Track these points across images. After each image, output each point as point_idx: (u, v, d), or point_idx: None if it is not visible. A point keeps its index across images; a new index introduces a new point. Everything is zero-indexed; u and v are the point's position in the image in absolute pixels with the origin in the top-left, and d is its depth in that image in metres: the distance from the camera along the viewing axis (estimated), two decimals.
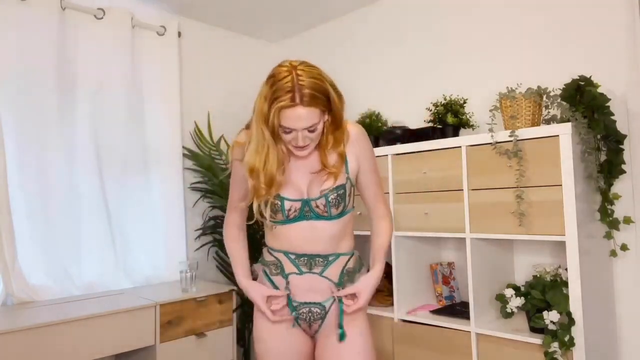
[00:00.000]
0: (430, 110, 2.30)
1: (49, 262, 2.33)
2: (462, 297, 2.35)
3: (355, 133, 1.39)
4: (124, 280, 2.56)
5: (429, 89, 2.57)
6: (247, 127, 1.35)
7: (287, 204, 1.33)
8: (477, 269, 2.01)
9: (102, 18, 2.59)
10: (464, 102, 2.28)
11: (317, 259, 1.35)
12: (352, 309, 1.33)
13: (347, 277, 1.39)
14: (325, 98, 1.24)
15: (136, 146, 2.70)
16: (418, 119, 2.52)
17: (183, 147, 2.91)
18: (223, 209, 2.89)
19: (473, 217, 1.99)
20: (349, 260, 1.40)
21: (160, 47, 2.84)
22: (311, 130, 1.24)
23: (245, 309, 2.72)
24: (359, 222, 2.01)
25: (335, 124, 1.32)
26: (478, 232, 1.98)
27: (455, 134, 2.22)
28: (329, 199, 1.32)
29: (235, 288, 2.53)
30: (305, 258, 1.36)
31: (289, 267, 1.37)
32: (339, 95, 1.29)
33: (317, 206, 1.33)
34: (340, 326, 1.35)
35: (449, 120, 2.22)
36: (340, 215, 1.36)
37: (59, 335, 1.90)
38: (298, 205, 1.33)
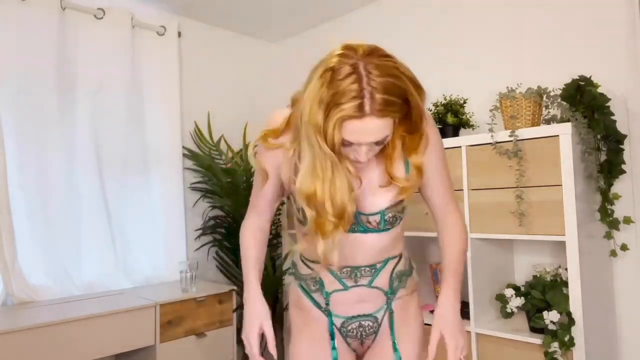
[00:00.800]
0: (430, 110, 2.30)
1: (49, 262, 2.33)
2: (462, 297, 2.34)
3: (434, 137, 1.10)
4: (124, 280, 2.56)
5: (429, 89, 2.56)
6: (293, 103, 1.02)
7: None
8: (477, 269, 2.01)
9: (102, 18, 2.59)
10: (464, 102, 2.28)
11: (364, 269, 1.13)
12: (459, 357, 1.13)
13: (398, 281, 1.18)
14: (402, 102, 0.91)
15: (136, 146, 2.70)
16: None
17: (183, 147, 2.91)
18: (223, 209, 2.90)
19: (473, 217, 1.99)
20: (397, 262, 1.18)
21: (160, 47, 2.84)
22: (379, 142, 0.94)
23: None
24: (419, 220, 2.00)
25: (411, 127, 1.00)
26: (478, 232, 1.98)
27: (455, 134, 2.22)
28: (386, 217, 1.07)
29: (235, 288, 2.53)
30: (349, 269, 1.12)
31: (330, 282, 1.14)
32: (420, 92, 0.95)
33: (369, 221, 1.07)
34: (395, 348, 1.15)
35: (449, 120, 2.22)
36: (394, 226, 1.11)
37: (59, 335, 1.90)
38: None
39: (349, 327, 1.17)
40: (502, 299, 1.89)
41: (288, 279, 1.27)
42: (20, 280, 2.19)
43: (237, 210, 2.73)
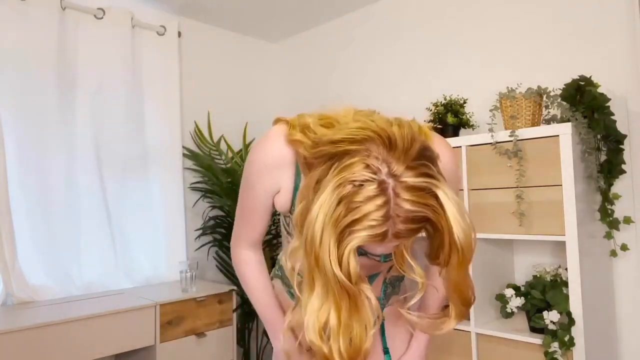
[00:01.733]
0: (430, 110, 2.30)
1: (49, 262, 2.33)
2: None
3: (449, 161, 0.97)
4: (124, 280, 2.56)
5: (429, 89, 2.57)
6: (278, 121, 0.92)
7: None
8: (477, 269, 2.01)
9: (102, 18, 2.59)
10: (464, 102, 2.28)
11: None
12: None
13: (392, 287, 1.12)
14: (428, 223, 0.75)
15: (136, 146, 2.70)
16: (418, 119, 2.51)
17: (183, 147, 2.91)
18: (223, 209, 2.90)
19: (473, 217, 1.98)
20: (391, 267, 1.06)
21: (160, 47, 2.84)
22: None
23: (245, 309, 2.72)
24: None
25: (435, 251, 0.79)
26: (478, 232, 1.98)
27: (455, 134, 2.22)
28: (387, 259, 1.00)
29: (235, 288, 2.53)
30: None
31: None
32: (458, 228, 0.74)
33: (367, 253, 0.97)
34: (386, 350, 1.12)
35: (449, 120, 2.22)
36: None
37: (59, 335, 1.90)
38: None
39: None
40: (502, 299, 1.89)
41: (274, 282, 1.16)
42: (20, 280, 2.19)
43: None
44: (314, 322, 0.76)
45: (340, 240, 0.70)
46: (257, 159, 0.93)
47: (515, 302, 1.83)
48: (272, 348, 1.14)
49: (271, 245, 2.92)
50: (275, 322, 1.06)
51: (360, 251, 0.79)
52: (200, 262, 2.82)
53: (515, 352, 1.84)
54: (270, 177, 0.92)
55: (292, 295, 1.10)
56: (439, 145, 0.93)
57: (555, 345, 1.69)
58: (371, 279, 1.07)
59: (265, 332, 2.47)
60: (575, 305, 1.71)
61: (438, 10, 2.61)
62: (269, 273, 1.14)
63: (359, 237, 0.70)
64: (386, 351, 1.13)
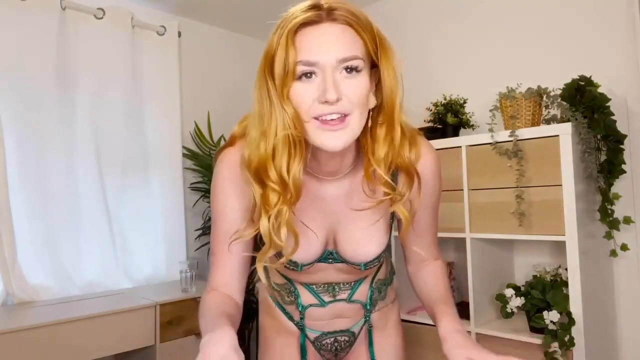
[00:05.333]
0: (430, 110, 2.30)
1: (49, 262, 2.33)
2: (462, 297, 2.35)
3: (429, 163, 0.96)
4: (124, 280, 2.56)
5: (429, 89, 2.57)
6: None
7: (303, 267, 0.94)
8: (477, 269, 2.01)
9: (102, 18, 2.59)
10: (464, 102, 2.28)
11: (342, 283, 1.01)
12: None
13: (378, 292, 1.07)
14: (369, 37, 0.79)
15: (136, 146, 2.70)
16: (418, 119, 2.52)
17: (183, 147, 2.91)
18: None
19: (473, 217, 1.99)
20: (377, 270, 1.05)
21: (160, 47, 2.84)
22: (349, 68, 0.76)
23: (245, 309, 2.72)
24: None
25: (387, 113, 0.82)
26: (478, 232, 1.98)
27: (455, 134, 2.22)
28: (366, 266, 0.95)
29: None
30: (326, 285, 1.00)
31: (306, 296, 1.01)
32: (391, 51, 0.84)
33: (346, 261, 0.95)
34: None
35: (449, 120, 2.22)
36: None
37: (59, 335, 1.90)
38: (318, 256, 0.93)
39: (324, 342, 1.06)
40: (502, 299, 1.89)
41: (260, 286, 1.13)
42: (20, 280, 2.19)
43: None
44: (250, 157, 0.79)
45: (279, 36, 0.76)
46: (216, 178, 0.90)
47: (515, 302, 1.83)
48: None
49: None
50: (212, 320, 0.91)
51: (306, 73, 0.75)
52: (200, 262, 2.81)
53: (515, 352, 1.84)
54: (235, 184, 0.87)
55: (281, 307, 1.06)
56: (423, 146, 0.93)
57: (555, 345, 1.69)
58: (356, 284, 1.02)
59: None
60: (575, 305, 1.71)
61: (438, 10, 2.61)
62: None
63: (293, 19, 0.76)
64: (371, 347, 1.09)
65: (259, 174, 0.80)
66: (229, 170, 0.88)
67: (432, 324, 1.57)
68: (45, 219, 2.33)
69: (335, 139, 0.76)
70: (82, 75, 2.51)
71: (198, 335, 2.34)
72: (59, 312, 2.02)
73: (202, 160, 2.92)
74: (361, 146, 0.87)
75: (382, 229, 0.93)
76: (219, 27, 3.22)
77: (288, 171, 0.78)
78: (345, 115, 0.76)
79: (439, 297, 0.96)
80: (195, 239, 2.95)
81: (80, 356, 1.95)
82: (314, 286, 1.01)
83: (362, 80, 0.77)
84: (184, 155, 2.91)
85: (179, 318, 2.27)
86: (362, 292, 1.04)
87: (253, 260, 0.89)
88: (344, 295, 1.02)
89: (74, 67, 2.49)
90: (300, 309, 1.03)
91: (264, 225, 0.81)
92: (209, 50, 3.16)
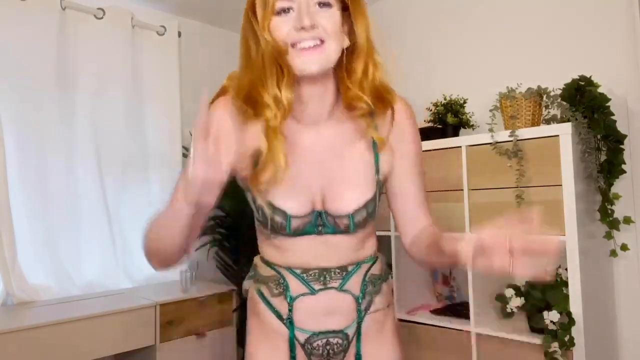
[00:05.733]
0: (430, 110, 2.30)
1: (49, 262, 2.33)
2: (462, 297, 2.35)
3: (404, 109, 1.00)
4: (124, 280, 2.56)
5: (429, 89, 2.56)
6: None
7: (295, 223, 0.93)
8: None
9: (102, 18, 2.59)
10: (464, 102, 2.28)
11: (334, 270, 0.99)
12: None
13: (372, 285, 1.01)
14: None
15: (136, 146, 2.70)
16: (418, 119, 2.50)
17: (183, 147, 2.91)
18: (223, 209, 2.89)
19: (473, 217, 1.99)
20: (371, 266, 1.03)
21: (160, 47, 2.84)
22: (322, 4, 0.85)
23: (246, 309, 2.72)
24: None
25: (362, 48, 0.90)
26: (478, 232, 1.97)
27: (455, 134, 2.22)
28: (355, 220, 0.94)
29: (235, 288, 2.53)
30: (317, 272, 0.98)
31: (295, 285, 0.98)
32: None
33: (336, 223, 0.95)
34: (358, 357, 1.01)
35: (449, 120, 2.22)
36: (364, 228, 0.98)
37: (59, 335, 1.90)
38: (309, 218, 0.94)
39: (315, 344, 0.98)
40: (502, 299, 1.89)
41: (247, 284, 1.08)
42: (20, 280, 2.19)
43: (237, 210, 2.72)
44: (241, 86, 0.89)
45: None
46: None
47: (515, 302, 1.83)
48: None
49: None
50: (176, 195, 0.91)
51: (284, 8, 0.85)
52: (200, 262, 2.81)
53: (515, 352, 1.84)
54: (223, 130, 0.82)
55: (263, 297, 1.01)
56: (397, 95, 1.00)
57: (555, 345, 1.69)
58: (348, 275, 0.99)
59: None
60: (575, 305, 1.71)
61: (438, 10, 2.61)
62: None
63: None
64: (358, 358, 1.01)
65: (251, 98, 0.88)
66: (219, 117, 0.89)
67: (431, 324, 1.55)
68: (45, 219, 2.33)
69: (311, 63, 0.85)
70: (82, 75, 2.51)
71: (198, 335, 2.34)
72: (59, 312, 2.02)
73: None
74: (338, 89, 0.94)
75: (369, 178, 0.95)
76: (219, 27, 3.21)
77: (279, 89, 0.86)
78: (322, 42, 0.85)
79: (448, 236, 0.86)
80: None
81: (80, 356, 1.95)
82: (304, 275, 0.97)
83: (334, 13, 0.86)
84: (184, 155, 2.91)
85: (179, 318, 2.27)
86: (355, 282, 1.00)
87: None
88: (335, 283, 0.98)
89: (74, 67, 2.49)
90: (289, 300, 0.97)
91: (262, 141, 0.88)
92: (209, 50, 3.16)
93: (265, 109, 0.87)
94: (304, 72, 0.86)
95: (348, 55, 0.91)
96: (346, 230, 0.95)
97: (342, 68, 0.92)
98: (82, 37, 2.52)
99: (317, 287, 0.97)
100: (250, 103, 0.89)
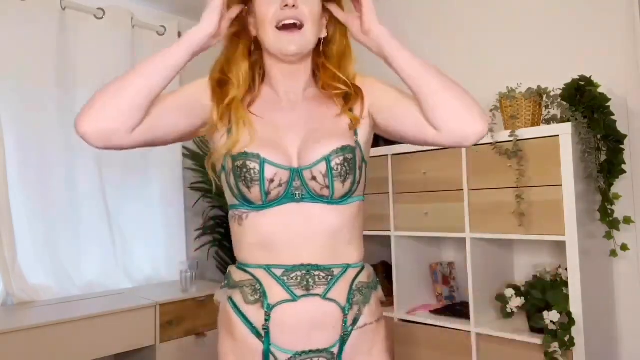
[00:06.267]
0: None
1: (49, 262, 2.33)
2: (462, 297, 2.35)
3: (368, 80, 1.03)
4: (124, 280, 2.56)
5: None
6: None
7: (269, 171, 0.87)
8: (477, 269, 2.01)
9: (102, 18, 2.59)
10: None
11: (318, 272, 0.90)
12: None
13: (360, 294, 0.93)
14: None
15: None
16: None
17: (183, 147, 2.91)
18: (223, 209, 2.89)
19: (473, 217, 1.99)
20: (359, 272, 0.95)
21: (160, 47, 2.80)
22: None
23: None
24: (418, 221, 2.03)
25: (338, 42, 1.01)
26: (478, 232, 1.98)
27: None
28: (332, 164, 0.88)
29: None
30: (299, 272, 0.89)
31: (275, 290, 0.89)
32: None
33: (314, 178, 0.89)
34: None
35: None
36: (346, 198, 0.91)
37: (59, 335, 1.90)
38: (285, 175, 0.89)
39: None
40: (502, 299, 1.89)
41: (219, 294, 0.97)
42: (20, 280, 2.19)
43: None
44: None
45: None
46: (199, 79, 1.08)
47: (515, 302, 1.83)
48: None
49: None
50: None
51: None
52: (200, 262, 2.81)
53: (515, 352, 1.84)
54: (201, 87, 1.05)
55: (235, 307, 0.92)
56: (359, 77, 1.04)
57: (555, 345, 1.69)
58: (333, 280, 0.91)
59: None
60: (575, 305, 1.71)
61: (438, 10, 2.61)
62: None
63: None
64: None
65: (216, 78, 1.02)
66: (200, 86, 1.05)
67: (431, 324, 1.54)
68: (45, 219, 2.33)
69: (291, 43, 0.92)
70: (82, 75, 2.51)
71: (198, 335, 2.34)
72: (59, 312, 2.02)
73: (202, 160, 2.92)
74: (314, 72, 1.01)
75: (347, 134, 0.95)
76: None
77: (235, 65, 0.99)
78: (302, 25, 0.92)
79: None
80: (195, 239, 2.95)
81: (80, 356, 1.95)
82: (285, 277, 0.89)
83: (315, 2, 0.94)
84: (184, 155, 2.91)
85: (179, 318, 2.27)
86: (341, 289, 0.91)
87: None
88: (318, 289, 0.89)
89: (74, 67, 2.49)
90: (266, 308, 0.88)
91: (233, 114, 0.94)
92: (209, 50, 3.15)
93: (230, 87, 0.97)
94: (282, 52, 0.93)
95: (325, 46, 1.00)
96: (326, 196, 0.90)
97: (320, 55, 1.00)
98: (82, 37, 2.52)
99: (299, 292, 0.89)
100: (217, 84, 1.00)
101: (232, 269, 0.97)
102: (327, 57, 1.00)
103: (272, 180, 0.88)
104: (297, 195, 0.90)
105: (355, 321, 0.92)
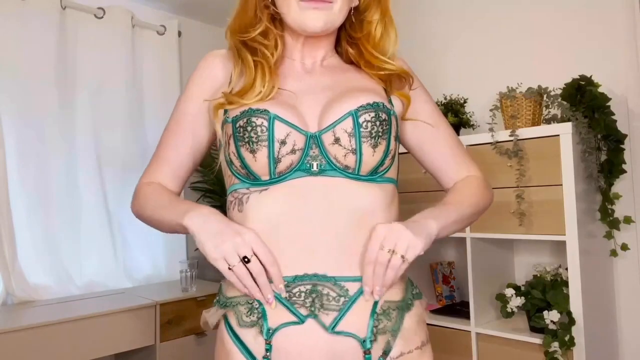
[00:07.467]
0: None
1: (49, 261, 2.33)
2: (462, 297, 2.35)
3: (406, 65, 0.93)
4: (124, 280, 2.56)
5: (429, 89, 2.56)
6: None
7: (280, 129, 0.71)
8: (477, 269, 2.01)
9: (102, 17, 2.59)
10: (464, 102, 2.28)
11: (327, 289, 0.69)
12: (378, 292, 0.69)
13: (387, 320, 0.71)
14: None
15: (136, 146, 2.70)
16: None
17: None
18: (223, 208, 2.89)
19: None
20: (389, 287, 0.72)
21: (160, 47, 2.84)
22: None
23: None
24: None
25: (380, 9, 0.87)
26: (478, 232, 1.98)
27: (456, 133, 2.22)
28: (360, 119, 0.73)
29: None
30: (306, 284, 0.69)
31: (276, 313, 0.70)
32: None
33: (337, 140, 0.72)
34: None
35: (449, 119, 2.21)
36: (378, 175, 0.75)
37: (59, 335, 1.90)
38: (301, 140, 0.72)
39: None
40: (502, 298, 1.89)
41: (208, 315, 0.78)
42: (21, 280, 2.19)
43: None
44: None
45: None
46: (197, 66, 0.92)
47: (515, 302, 1.83)
48: None
49: None
50: (178, 204, 0.80)
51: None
52: (200, 262, 2.81)
53: (515, 352, 1.84)
54: (205, 71, 0.88)
55: (230, 329, 0.74)
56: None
57: (555, 345, 1.69)
58: (349, 303, 0.69)
59: None
60: (575, 305, 1.71)
61: (438, 10, 2.61)
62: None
63: None
64: None
65: (241, 32, 0.83)
66: (205, 61, 0.91)
67: (431, 323, 1.54)
68: (45, 219, 2.33)
69: (316, 19, 0.76)
70: (82, 75, 2.51)
71: (198, 334, 2.34)
72: (59, 312, 2.02)
73: (202, 160, 2.92)
74: (340, 50, 0.88)
75: (379, 90, 0.84)
76: (219, 27, 3.21)
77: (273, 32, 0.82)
78: (330, 2, 0.77)
79: (447, 198, 0.88)
80: None
81: (80, 356, 1.95)
82: (287, 294, 0.70)
83: None
84: None
85: (179, 318, 2.27)
86: (358, 316, 0.69)
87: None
88: (326, 318, 0.68)
89: (74, 67, 2.49)
90: (265, 336, 0.69)
91: (249, 60, 0.80)
92: (209, 50, 3.15)
93: (260, 46, 0.81)
94: (305, 29, 0.78)
95: (357, 15, 0.85)
96: (351, 169, 0.71)
97: (350, 22, 0.86)
98: (82, 37, 2.52)
99: (305, 313, 0.69)
100: (241, 41, 0.84)
101: (224, 284, 0.79)
102: (367, 35, 0.85)
103: (283, 142, 0.70)
104: (314, 167, 0.71)
105: (386, 352, 0.71)
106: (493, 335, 1.91)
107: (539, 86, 1.91)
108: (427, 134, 0.88)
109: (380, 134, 0.74)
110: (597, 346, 1.79)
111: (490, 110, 1.99)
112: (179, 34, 2.95)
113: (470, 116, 2.29)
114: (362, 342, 0.69)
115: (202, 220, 0.70)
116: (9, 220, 2.16)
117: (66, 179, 2.42)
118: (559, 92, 1.90)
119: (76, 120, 2.48)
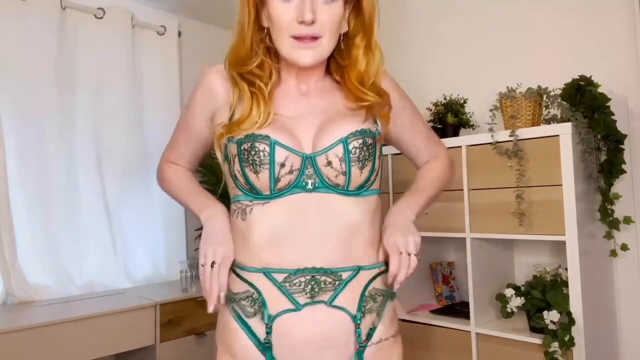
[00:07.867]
0: (430, 110, 2.30)
1: (49, 262, 2.32)
2: (462, 297, 2.35)
3: (390, 77, 1.03)
4: (124, 280, 2.56)
5: (429, 89, 2.56)
6: None
7: (280, 153, 0.81)
8: (477, 269, 2.01)
9: (102, 17, 2.59)
10: (464, 102, 2.28)
11: (324, 277, 0.82)
12: (402, 278, 0.84)
13: (373, 302, 0.86)
14: None
15: (136, 146, 2.70)
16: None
17: None
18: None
19: (473, 217, 1.99)
20: (376, 276, 0.88)
21: (160, 47, 2.84)
22: None
23: None
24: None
25: (366, 36, 0.92)
26: (478, 232, 1.98)
27: (455, 133, 2.22)
28: (350, 146, 0.83)
29: None
30: (303, 278, 0.82)
31: (275, 299, 0.82)
32: None
33: (329, 162, 0.82)
34: None
35: (449, 120, 2.22)
36: (363, 190, 0.85)
37: (59, 335, 1.90)
38: (297, 161, 0.82)
39: None
40: (502, 299, 1.89)
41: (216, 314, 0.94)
42: (20, 280, 2.19)
43: None
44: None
45: None
46: (199, 82, 0.99)
47: (515, 302, 1.83)
48: None
49: None
50: (198, 192, 1.01)
51: None
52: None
53: (515, 352, 1.84)
54: (208, 92, 0.96)
55: (238, 316, 0.87)
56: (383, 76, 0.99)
57: (555, 345, 1.69)
58: (342, 284, 0.83)
59: None
60: (575, 305, 1.71)
61: (438, 10, 2.61)
62: None
63: None
64: None
65: (239, 65, 0.90)
66: (208, 79, 0.97)
67: (431, 323, 1.54)
68: (45, 219, 2.33)
69: (306, 56, 0.85)
70: (82, 75, 2.51)
71: (198, 334, 2.34)
72: (59, 312, 2.02)
73: (202, 160, 2.92)
74: (330, 70, 0.96)
75: (354, 119, 0.90)
76: (219, 27, 3.21)
77: (267, 62, 0.90)
78: (318, 37, 0.84)
79: (415, 185, 1.03)
80: (195, 238, 2.94)
81: (80, 356, 1.95)
82: (286, 284, 0.81)
83: (336, 6, 0.86)
84: None
85: (179, 318, 2.27)
86: (350, 296, 0.83)
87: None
88: (324, 296, 0.82)
89: (74, 67, 2.49)
90: (266, 321, 0.81)
91: (246, 91, 0.87)
92: (209, 50, 3.16)
93: (251, 77, 0.89)
94: (296, 62, 0.87)
95: (346, 40, 0.92)
96: (341, 186, 0.84)
97: (340, 53, 0.93)
98: (82, 37, 2.52)
99: (302, 300, 0.81)
100: (237, 72, 0.91)
101: (230, 277, 0.90)
102: (352, 64, 0.91)
103: (282, 165, 0.81)
104: (309, 184, 0.83)
105: (369, 335, 0.84)
106: (493, 335, 1.91)
107: (539, 86, 1.91)
108: (405, 129, 1.02)
109: (367, 157, 0.85)
110: (597, 346, 1.79)
111: (490, 110, 1.99)
112: (179, 34, 2.96)
113: (470, 116, 2.29)
114: (353, 317, 0.83)
115: (209, 220, 0.94)
116: (9, 220, 2.16)
117: (66, 179, 2.42)
118: (558, 92, 1.90)
119: (76, 120, 2.48)
